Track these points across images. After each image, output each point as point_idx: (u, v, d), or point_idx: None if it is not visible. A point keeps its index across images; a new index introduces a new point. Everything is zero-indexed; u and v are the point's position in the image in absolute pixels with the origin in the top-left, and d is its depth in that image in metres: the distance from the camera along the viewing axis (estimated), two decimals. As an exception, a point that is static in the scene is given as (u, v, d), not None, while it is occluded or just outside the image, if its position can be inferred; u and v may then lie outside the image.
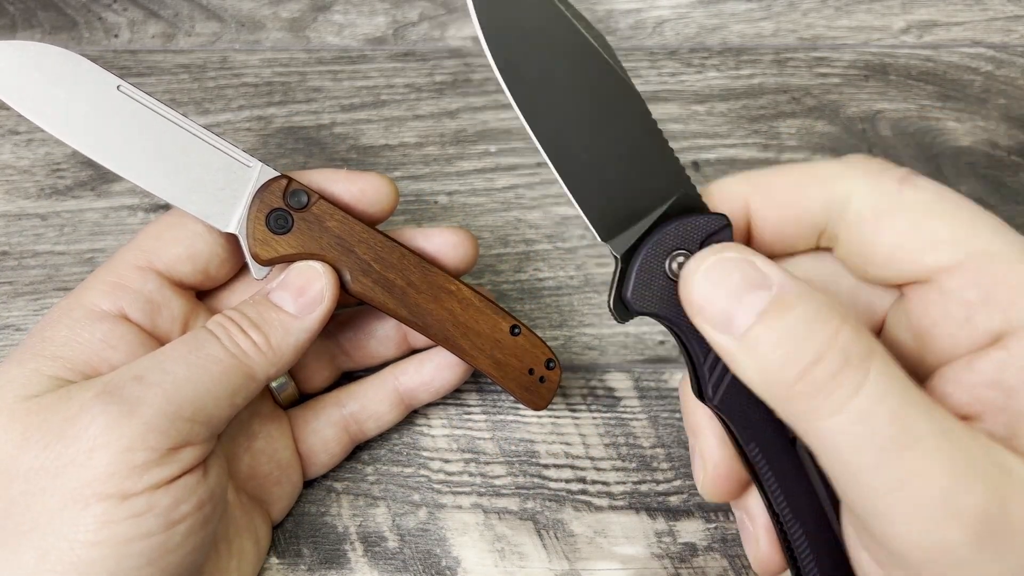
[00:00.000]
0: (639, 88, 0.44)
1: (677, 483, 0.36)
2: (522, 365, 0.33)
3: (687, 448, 0.37)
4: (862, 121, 0.45)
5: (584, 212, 0.25)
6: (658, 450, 0.37)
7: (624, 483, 0.36)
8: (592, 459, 0.36)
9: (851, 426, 0.20)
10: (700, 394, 0.25)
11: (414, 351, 0.36)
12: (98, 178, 0.43)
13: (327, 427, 0.35)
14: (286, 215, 0.31)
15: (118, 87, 0.30)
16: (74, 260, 0.41)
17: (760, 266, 0.22)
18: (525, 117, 0.24)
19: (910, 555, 0.20)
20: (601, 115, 0.25)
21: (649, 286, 0.25)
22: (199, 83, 0.46)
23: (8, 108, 0.44)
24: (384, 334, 0.36)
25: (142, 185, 0.30)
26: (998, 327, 0.22)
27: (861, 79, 0.46)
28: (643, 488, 0.36)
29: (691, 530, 0.35)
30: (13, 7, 0.48)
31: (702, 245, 0.24)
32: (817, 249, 0.27)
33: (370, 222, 0.32)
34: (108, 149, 0.30)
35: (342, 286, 0.32)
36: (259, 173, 0.31)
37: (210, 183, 0.31)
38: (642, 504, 0.35)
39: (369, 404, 0.35)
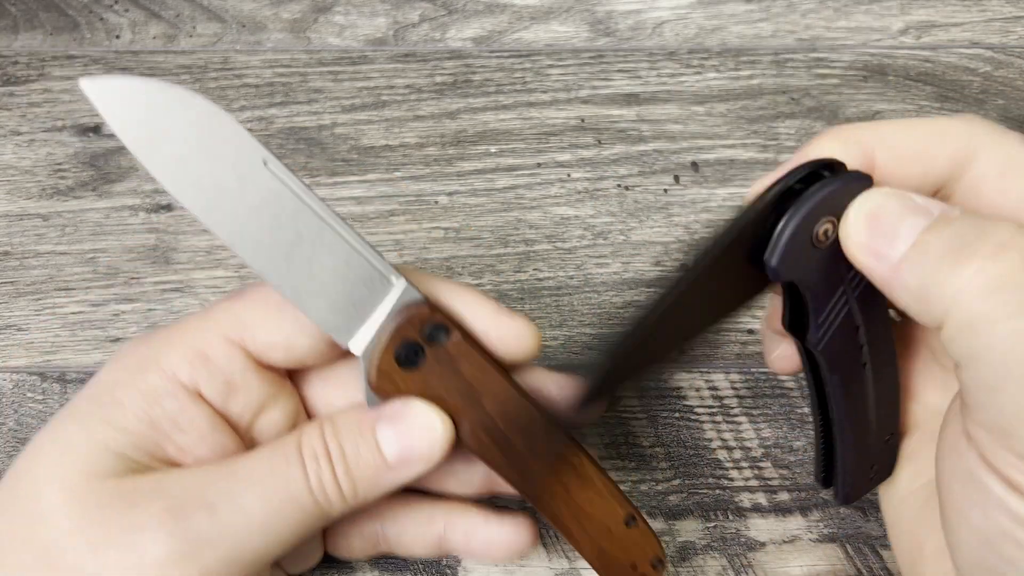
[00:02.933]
0: (638, 89, 0.44)
1: (676, 482, 0.36)
2: (627, 559, 0.30)
3: (686, 447, 0.37)
4: (861, 122, 0.45)
5: None
6: (657, 449, 0.37)
7: (623, 482, 0.36)
8: (592, 458, 0.37)
9: (1013, 333, 0.20)
10: (799, 335, 0.27)
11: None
12: (99, 178, 0.43)
13: (357, 538, 0.32)
14: (419, 350, 0.27)
15: (265, 162, 0.26)
16: (76, 260, 0.41)
17: (919, 200, 0.23)
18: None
19: None
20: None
21: (798, 253, 0.24)
22: (200, 84, 0.46)
23: (10, 109, 0.45)
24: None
25: (265, 277, 0.26)
26: None
27: (860, 80, 0.46)
28: (642, 487, 0.36)
29: (690, 529, 0.35)
30: (15, 8, 0.48)
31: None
32: None
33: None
34: (236, 229, 0.26)
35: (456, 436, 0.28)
36: (401, 293, 0.27)
37: (340, 291, 0.27)
38: (641, 503, 0.36)
39: (405, 539, 0.32)
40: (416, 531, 0.31)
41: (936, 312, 0.21)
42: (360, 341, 0.27)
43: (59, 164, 0.44)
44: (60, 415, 0.28)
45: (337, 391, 0.30)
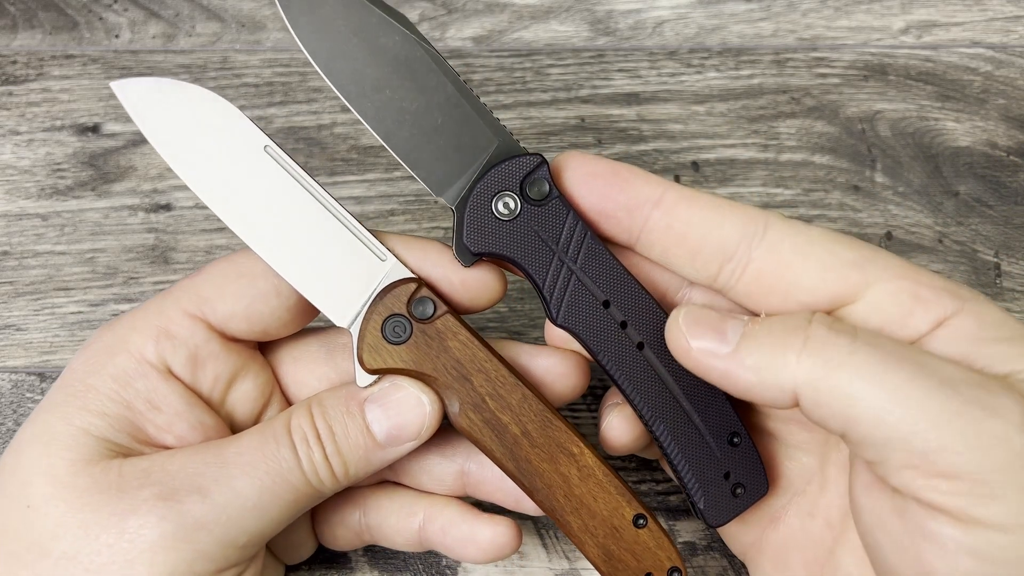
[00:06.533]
0: (638, 88, 0.44)
1: (676, 482, 0.36)
2: (639, 566, 0.28)
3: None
4: (861, 121, 0.45)
5: (417, 175, 0.28)
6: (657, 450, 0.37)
7: (624, 483, 0.36)
8: (592, 459, 0.36)
9: (866, 360, 0.23)
10: (551, 318, 0.28)
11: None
12: (99, 178, 0.43)
13: (340, 527, 0.32)
14: (405, 324, 0.27)
15: (264, 147, 0.28)
16: (75, 260, 0.41)
17: (723, 310, 0.26)
18: (351, 103, 0.27)
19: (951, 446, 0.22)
20: (414, 88, 0.27)
21: (482, 228, 0.27)
22: (200, 83, 0.46)
23: (9, 109, 0.45)
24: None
25: (268, 262, 0.27)
26: None
27: (860, 79, 0.46)
28: (643, 488, 0.36)
29: (690, 530, 0.35)
30: (14, 7, 0.48)
31: (523, 184, 0.27)
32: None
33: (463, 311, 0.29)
34: (240, 213, 0.27)
35: (445, 415, 0.28)
36: (390, 270, 0.28)
37: (336, 271, 0.28)
38: (642, 504, 0.36)
39: (386, 529, 0.32)
40: (396, 522, 0.31)
41: (786, 387, 0.24)
42: (352, 318, 0.28)
43: (58, 164, 0.43)
44: (37, 410, 0.28)
45: (309, 371, 0.31)
